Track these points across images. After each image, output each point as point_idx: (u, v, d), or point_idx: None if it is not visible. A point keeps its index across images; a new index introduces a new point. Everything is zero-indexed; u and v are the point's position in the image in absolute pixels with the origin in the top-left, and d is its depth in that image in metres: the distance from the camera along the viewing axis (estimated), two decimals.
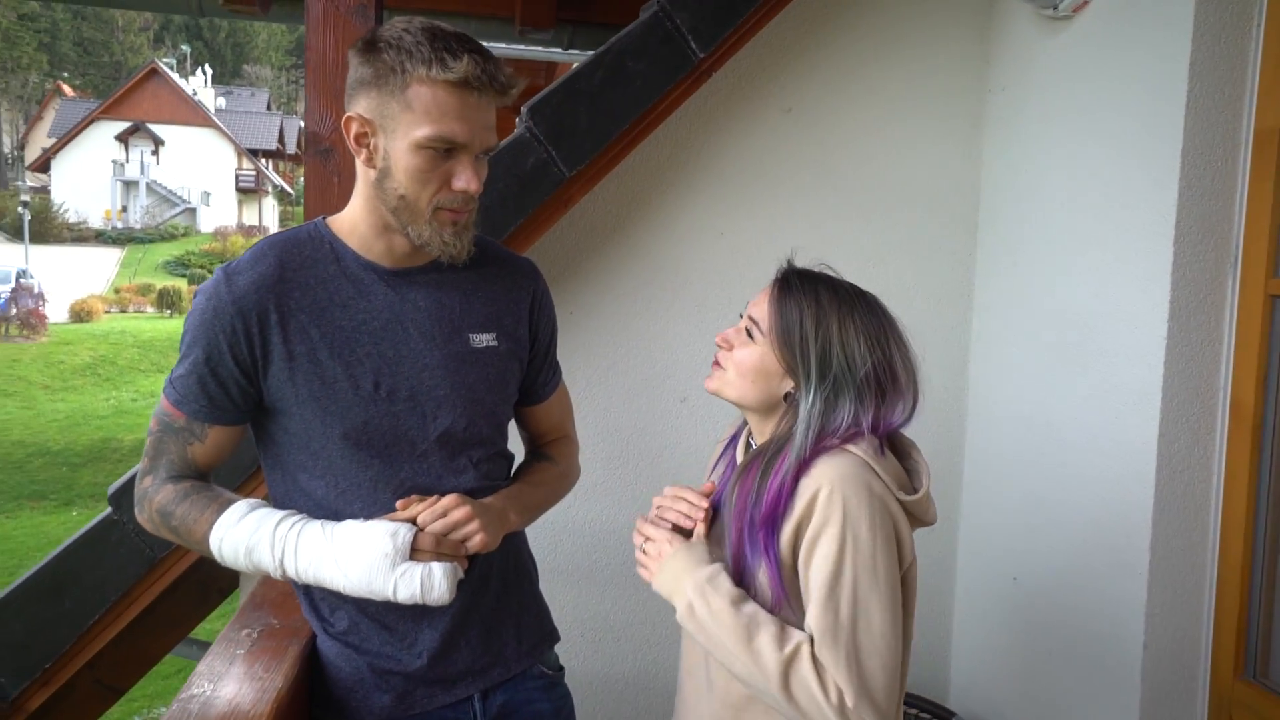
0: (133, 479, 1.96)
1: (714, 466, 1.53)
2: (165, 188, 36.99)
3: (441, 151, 1.23)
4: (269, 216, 41.64)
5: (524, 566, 1.56)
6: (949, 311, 2.50)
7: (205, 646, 2.77)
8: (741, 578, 1.30)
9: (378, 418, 1.32)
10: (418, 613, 1.39)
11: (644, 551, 1.38)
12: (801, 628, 1.25)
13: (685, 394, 2.39)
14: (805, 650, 1.21)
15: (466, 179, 1.25)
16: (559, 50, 3.15)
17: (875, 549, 1.21)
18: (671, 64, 2.08)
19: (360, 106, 1.25)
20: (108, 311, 22.90)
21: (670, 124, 2.25)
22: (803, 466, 1.27)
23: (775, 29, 2.30)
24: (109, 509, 1.95)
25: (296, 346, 1.29)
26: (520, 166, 2.02)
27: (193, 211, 37.19)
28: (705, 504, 1.38)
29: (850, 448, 1.27)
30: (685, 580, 1.29)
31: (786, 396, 1.34)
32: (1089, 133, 2.04)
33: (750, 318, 1.36)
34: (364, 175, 1.31)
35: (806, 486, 1.24)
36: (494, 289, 1.44)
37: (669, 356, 2.38)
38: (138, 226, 35.21)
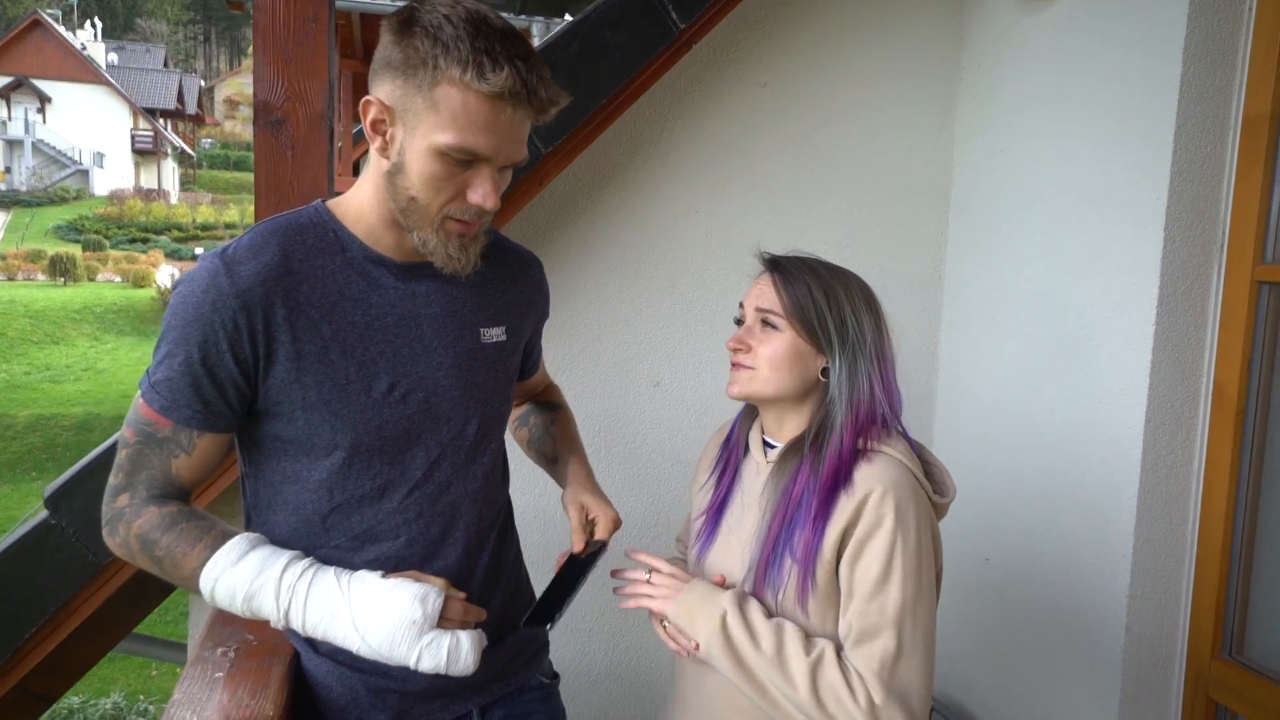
0: (74, 480, 1.79)
1: (713, 471, 1.47)
2: (54, 148, 34.85)
3: (461, 161, 1.11)
4: (169, 179, 39.71)
5: (523, 579, 1.49)
6: (919, 294, 2.48)
7: (144, 640, 2.61)
8: (767, 573, 1.29)
9: (392, 422, 1.22)
10: None
11: (651, 582, 1.36)
12: (818, 626, 1.26)
13: (659, 377, 2.32)
14: (830, 654, 1.21)
15: (483, 194, 1.13)
16: (510, 14, 3.00)
17: (921, 555, 1.22)
18: (651, 35, 1.97)
19: (383, 91, 1.12)
20: None
21: (645, 97, 2.15)
22: (849, 461, 1.26)
23: (752, 1, 2.21)
24: (44, 513, 1.78)
25: (306, 345, 1.16)
26: None
27: (85, 174, 35.16)
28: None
29: (890, 451, 1.27)
30: (717, 595, 1.27)
31: (824, 372, 1.31)
32: (1072, 116, 2.02)
33: (759, 309, 1.32)
34: (377, 164, 1.18)
35: (855, 489, 1.23)
36: (502, 281, 1.36)
37: (642, 339, 2.30)
38: (24, 189, 33.14)
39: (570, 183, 2.19)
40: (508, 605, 1.42)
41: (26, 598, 1.79)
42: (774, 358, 1.29)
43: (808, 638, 1.23)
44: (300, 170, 1.89)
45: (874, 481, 1.23)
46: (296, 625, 1.14)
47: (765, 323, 1.31)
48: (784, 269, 1.33)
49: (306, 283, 1.18)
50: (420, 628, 1.10)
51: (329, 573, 1.15)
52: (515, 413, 1.64)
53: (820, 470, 1.26)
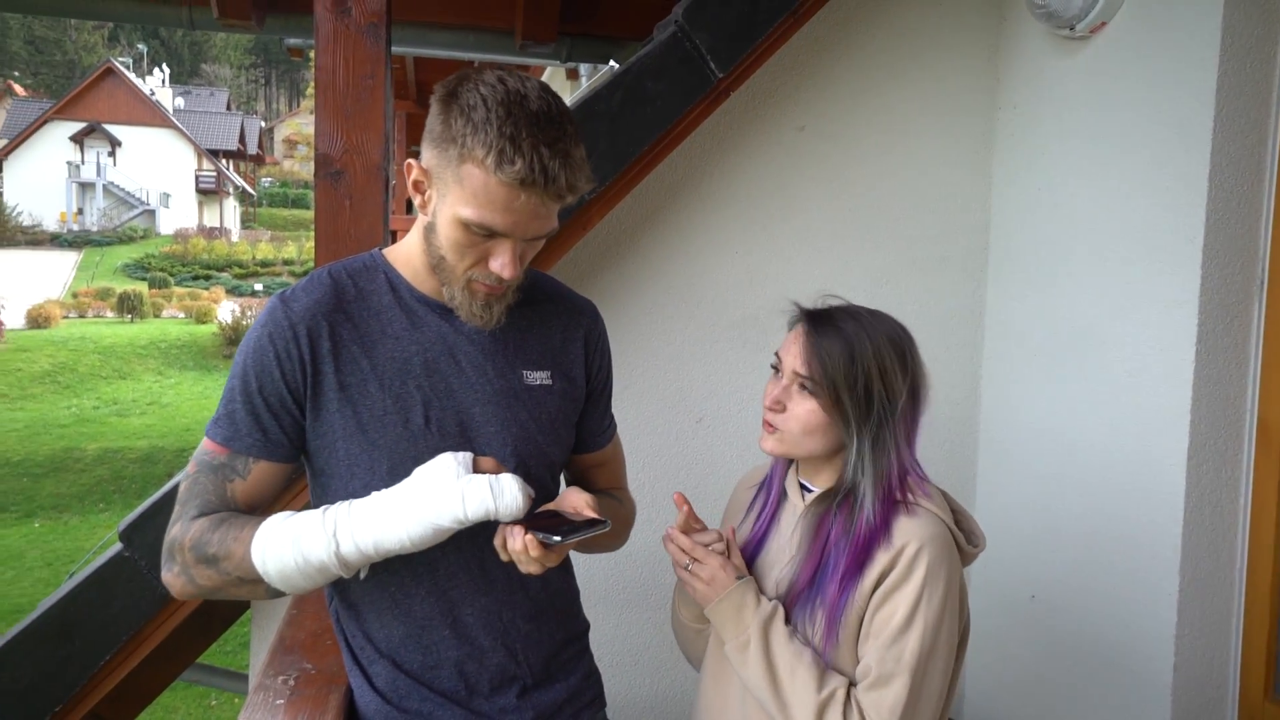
0: (145, 514, 1.90)
1: (749, 511, 1.50)
2: (123, 189, 36.25)
3: (483, 233, 1.18)
4: (230, 218, 41.01)
5: (576, 624, 1.50)
6: (960, 331, 2.50)
7: (205, 670, 2.70)
8: (796, 614, 1.33)
9: (428, 452, 1.26)
10: (461, 671, 1.33)
11: (693, 572, 1.36)
12: (839, 663, 1.30)
13: (701, 414, 2.37)
14: (841, 694, 1.25)
15: (502, 264, 1.20)
16: (557, 61, 3.11)
17: (945, 612, 1.26)
18: (690, 84, 2.05)
19: (425, 156, 1.21)
20: (66, 317, 22.40)
21: (686, 142, 2.22)
22: (885, 519, 1.29)
23: (789, 48, 2.28)
24: (119, 545, 1.89)
25: (348, 377, 1.25)
26: None
27: (151, 213, 36.47)
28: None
29: (927, 505, 1.31)
30: (748, 615, 1.32)
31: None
32: (1109, 154, 2.04)
33: (796, 372, 1.34)
34: (420, 217, 1.27)
35: (893, 541, 1.28)
36: (550, 327, 1.40)
37: (684, 377, 2.35)
38: (95, 229, 34.45)
39: (614, 226, 2.27)
40: (562, 644, 1.43)
41: (101, 627, 1.89)
42: (805, 424, 1.33)
43: (824, 673, 1.27)
44: (358, 219, 2.00)
45: (911, 535, 1.27)
46: (349, 546, 1.16)
47: (801, 386, 1.34)
48: (819, 329, 1.33)
49: (353, 319, 1.27)
50: (456, 472, 1.14)
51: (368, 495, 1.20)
52: None
53: (852, 531, 1.30)
